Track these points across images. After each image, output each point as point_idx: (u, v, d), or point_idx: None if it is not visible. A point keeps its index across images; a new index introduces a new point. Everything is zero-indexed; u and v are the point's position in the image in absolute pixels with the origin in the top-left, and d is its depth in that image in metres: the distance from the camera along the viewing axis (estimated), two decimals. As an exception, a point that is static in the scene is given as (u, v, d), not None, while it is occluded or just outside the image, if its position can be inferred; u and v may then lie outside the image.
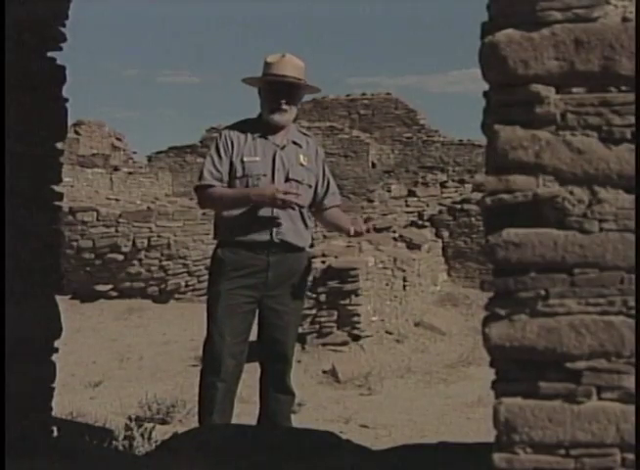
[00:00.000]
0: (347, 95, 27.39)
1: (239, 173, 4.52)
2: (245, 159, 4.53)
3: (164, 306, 12.14)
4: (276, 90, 4.55)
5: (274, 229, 4.46)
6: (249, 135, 4.58)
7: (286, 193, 4.38)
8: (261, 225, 4.46)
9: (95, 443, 4.26)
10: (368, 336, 8.88)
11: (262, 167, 4.53)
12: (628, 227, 2.35)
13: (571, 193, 2.37)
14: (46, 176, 3.69)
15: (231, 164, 4.53)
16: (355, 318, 8.76)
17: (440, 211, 12.87)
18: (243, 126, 4.64)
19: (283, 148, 4.59)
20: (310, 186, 4.63)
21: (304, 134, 4.78)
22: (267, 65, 4.61)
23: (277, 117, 4.58)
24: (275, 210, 4.47)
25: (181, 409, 6.16)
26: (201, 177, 4.58)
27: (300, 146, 4.65)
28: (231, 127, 4.67)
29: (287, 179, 4.55)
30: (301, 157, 4.62)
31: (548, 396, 2.36)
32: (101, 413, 5.85)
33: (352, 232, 4.66)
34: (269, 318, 4.54)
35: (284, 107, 4.56)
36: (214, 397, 4.45)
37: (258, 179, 4.51)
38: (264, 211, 4.47)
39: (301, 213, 4.58)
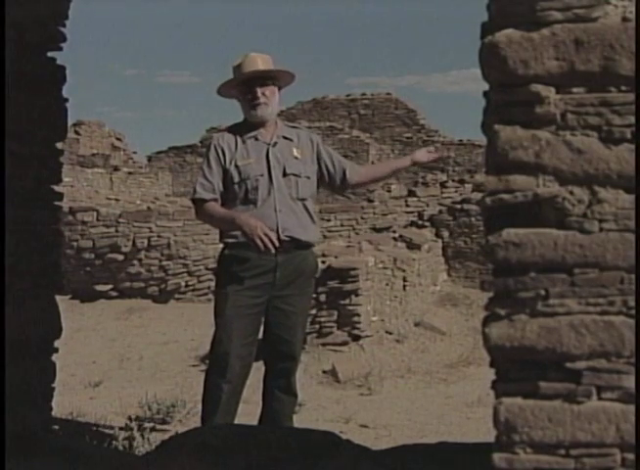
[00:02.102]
0: (347, 95, 27.40)
1: (236, 179, 4.51)
2: (239, 163, 4.51)
3: (164, 306, 12.13)
4: (250, 87, 4.55)
5: (280, 227, 4.44)
6: (238, 139, 4.57)
7: (265, 235, 4.33)
8: (267, 224, 4.43)
9: (95, 443, 4.27)
10: (368, 336, 8.87)
11: (258, 168, 4.51)
12: (628, 227, 2.35)
13: (571, 193, 2.37)
14: (46, 176, 3.69)
15: (226, 171, 4.52)
16: (355, 318, 8.75)
17: (440, 211, 12.85)
18: (231, 131, 4.63)
19: (274, 145, 4.58)
20: (309, 178, 4.60)
21: (293, 127, 4.76)
22: (235, 68, 4.61)
23: (259, 112, 4.55)
24: (279, 207, 4.46)
25: (181, 409, 6.15)
26: (194, 191, 4.59)
27: (292, 140, 4.62)
28: (219, 135, 4.67)
29: (284, 174, 4.54)
30: (295, 150, 4.60)
31: (548, 396, 2.36)
32: (101, 413, 5.84)
33: (425, 158, 4.86)
34: (276, 318, 4.53)
35: (262, 100, 4.54)
36: (219, 398, 4.44)
37: (257, 181, 4.49)
38: (269, 211, 4.46)
39: (305, 207, 4.57)
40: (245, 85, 4.57)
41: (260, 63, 4.57)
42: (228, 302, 4.45)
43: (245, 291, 4.44)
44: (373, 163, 25.18)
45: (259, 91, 4.53)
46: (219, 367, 4.46)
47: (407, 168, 5.24)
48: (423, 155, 4.86)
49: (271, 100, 4.58)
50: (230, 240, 4.52)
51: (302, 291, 4.57)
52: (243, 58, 4.60)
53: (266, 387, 4.64)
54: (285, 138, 4.62)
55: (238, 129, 4.63)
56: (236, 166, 4.51)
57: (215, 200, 4.52)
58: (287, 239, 4.45)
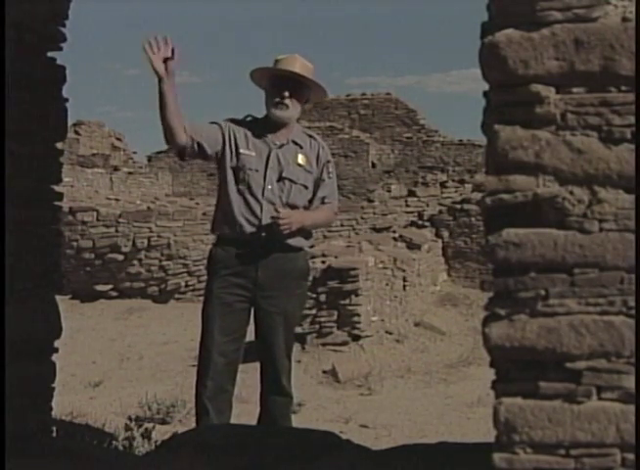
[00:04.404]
0: (347, 95, 27.40)
1: (233, 163, 4.52)
2: (240, 150, 4.53)
3: (164, 306, 12.14)
4: (279, 85, 4.55)
5: (263, 225, 4.44)
6: (249, 130, 4.58)
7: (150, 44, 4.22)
8: (253, 224, 4.45)
9: (95, 443, 4.27)
10: (368, 336, 8.88)
11: (256, 163, 4.52)
12: (628, 227, 2.35)
13: (571, 193, 2.37)
14: (46, 176, 3.69)
15: (229, 152, 4.51)
16: (355, 318, 8.76)
17: (440, 211, 12.87)
18: (247, 121, 4.65)
19: (281, 147, 4.58)
20: (306, 187, 4.59)
21: (309, 136, 4.72)
22: (275, 62, 4.62)
23: (278, 113, 4.55)
24: (265, 208, 4.46)
25: (181, 409, 6.16)
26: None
27: (301, 146, 4.62)
28: (237, 119, 4.67)
29: (280, 177, 4.54)
30: (300, 157, 4.59)
31: (548, 396, 2.36)
32: (101, 413, 5.85)
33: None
34: (261, 319, 4.53)
35: (286, 101, 4.53)
36: (203, 395, 4.45)
37: (249, 174, 4.50)
38: (255, 208, 4.47)
39: None
40: (276, 81, 4.57)
41: (299, 66, 4.56)
42: (211, 299, 4.48)
43: (227, 288, 4.46)
44: (373, 164, 25.23)
45: (287, 93, 4.53)
46: (203, 365, 4.48)
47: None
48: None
49: (294, 105, 4.57)
50: (218, 236, 4.56)
51: (289, 292, 4.53)
52: (287, 55, 4.60)
53: (261, 388, 4.65)
54: (294, 143, 4.62)
55: (255, 122, 4.64)
56: (237, 153, 4.52)
57: (184, 125, 4.37)
58: (270, 241, 4.45)
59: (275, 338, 4.52)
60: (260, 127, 4.60)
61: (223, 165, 4.55)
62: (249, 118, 4.69)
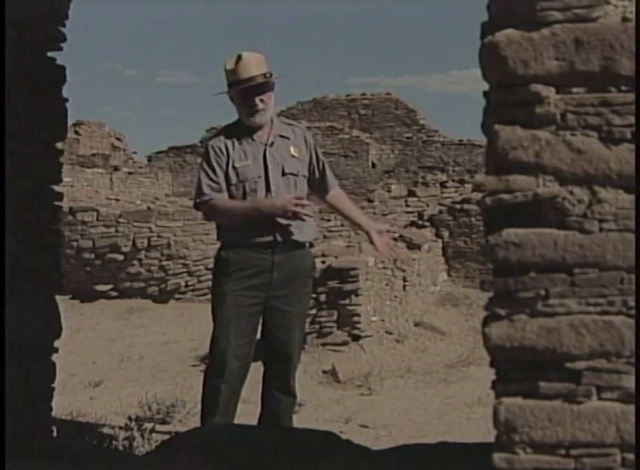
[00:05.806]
0: (347, 95, 27.40)
1: (234, 180, 4.48)
2: (236, 164, 4.48)
3: (164, 306, 12.12)
4: (250, 94, 4.48)
5: (278, 227, 4.44)
6: (235, 140, 4.52)
7: (297, 204, 4.35)
8: (264, 224, 4.44)
9: (95, 443, 4.27)
10: (368, 336, 8.88)
11: (255, 170, 4.49)
12: (628, 227, 2.35)
13: (571, 193, 2.37)
14: (46, 176, 3.69)
15: (227, 173, 4.49)
16: (355, 318, 8.76)
17: (440, 211, 12.86)
18: (226, 133, 4.57)
19: (272, 144, 4.55)
20: (305, 177, 4.60)
21: (289, 124, 4.72)
22: (229, 72, 4.51)
23: (258, 119, 4.51)
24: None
25: (181, 409, 6.15)
26: (200, 194, 4.50)
27: (288, 138, 4.59)
28: (215, 136, 4.61)
29: (283, 174, 4.53)
30: (292, 148, 4.57)
31: (548, 396, 2.36)
32: (101, 413, 5.84)
33: (380, 248, 4.62)
34: (274, 318, 4.53)
35: (260, 107, 4.50)
36: (218, 398, 4.44)
37: (255, 183, 4.48)
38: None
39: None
40: (243, 92, 4.49)
41: (255, 67, 4.49)
42: (225, 302, 4.45)
43: (242, 291, 4.44)
44: (373, 164, 25.22)
45: (257, 99, 4.48)
46: (217, 367, 4.46)
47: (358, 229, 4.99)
48: (383, 245, 4.64)
49: (269, 105, 4.54)
50: (227, 240, 4.52)
51: (300, 291, 4.56)
52: (235, 61, 4.50)
53: (265, 387, 4.64)
54: (282, 137, 4.59)
55: (233, 130, 4.58)
56: (234, 168, 4.49)
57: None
58: (282, 239, 4.45)
59: (290, 337, 4.53)
60: (244, 132, 4.55)
61: (227, 185, 4.51)
62: (228, 127, 4.62)
